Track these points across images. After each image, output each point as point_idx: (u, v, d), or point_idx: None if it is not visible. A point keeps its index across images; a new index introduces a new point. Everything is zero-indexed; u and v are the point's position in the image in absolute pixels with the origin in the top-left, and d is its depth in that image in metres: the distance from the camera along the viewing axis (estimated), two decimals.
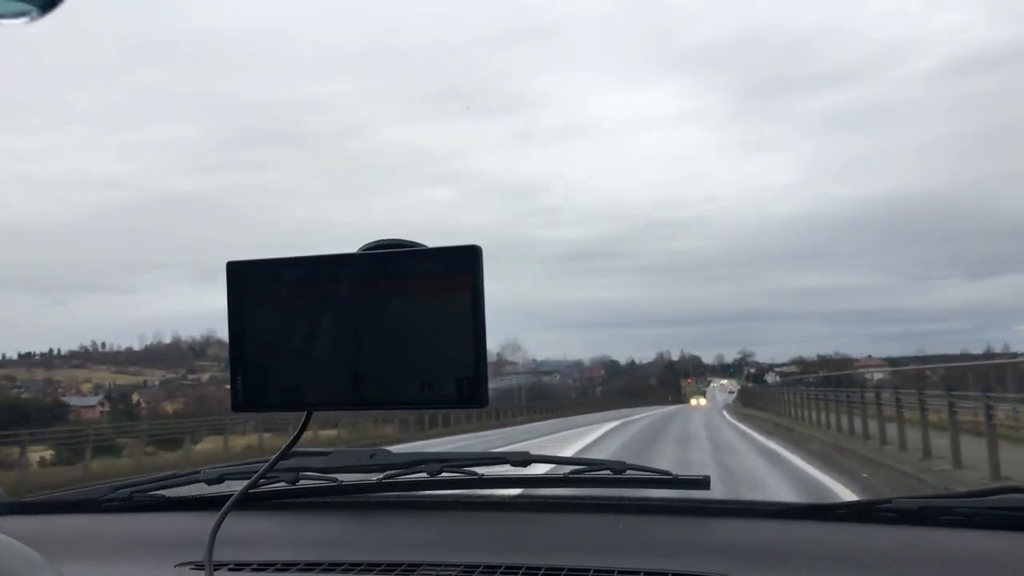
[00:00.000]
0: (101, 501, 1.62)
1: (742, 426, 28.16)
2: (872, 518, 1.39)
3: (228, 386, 0.88)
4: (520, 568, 1.23)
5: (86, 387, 74.31)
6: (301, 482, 1.56)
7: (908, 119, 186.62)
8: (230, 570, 1.25)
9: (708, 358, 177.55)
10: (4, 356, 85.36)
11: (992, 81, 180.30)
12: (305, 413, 0.88)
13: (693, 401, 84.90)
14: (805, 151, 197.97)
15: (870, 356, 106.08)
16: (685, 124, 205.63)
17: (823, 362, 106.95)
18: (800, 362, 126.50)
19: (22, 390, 66.89)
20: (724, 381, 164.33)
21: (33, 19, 0.72)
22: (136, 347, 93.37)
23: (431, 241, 0.85)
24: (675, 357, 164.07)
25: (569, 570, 1.22)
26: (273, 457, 0.99)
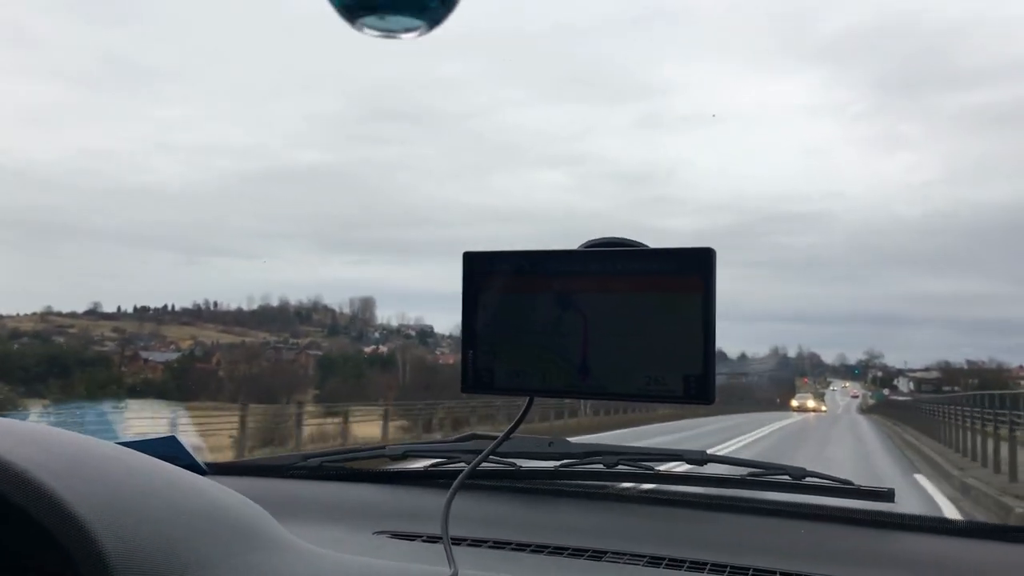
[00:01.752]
0: (293, 468, 1.73)
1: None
2: None
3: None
4: (706, 564, 1.26)
5: (186, 343, 78.01)
6: (483, 464, 1.64)
7: None
8: (424, 541, 1.33)
9: (829, 357, 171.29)
10: (120, 309, 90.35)
11: None
12: (528, 398, 0.93)
13: (795, 402, 65.79)
14: (941, 151, 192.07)
15: (1022, 367, 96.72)
16: (816, 117, 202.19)
17: (975, 371, 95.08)
18: (945, 368, 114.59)
19: (101, 343, 71.10)
20: (847, 384, 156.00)
21: (422, 33, 0.77)
22: (245, 308, 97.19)
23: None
24: (791, 354, 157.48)
25: (755, 571, 1.24)
26: (498, 439, 1.05)
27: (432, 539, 1.33)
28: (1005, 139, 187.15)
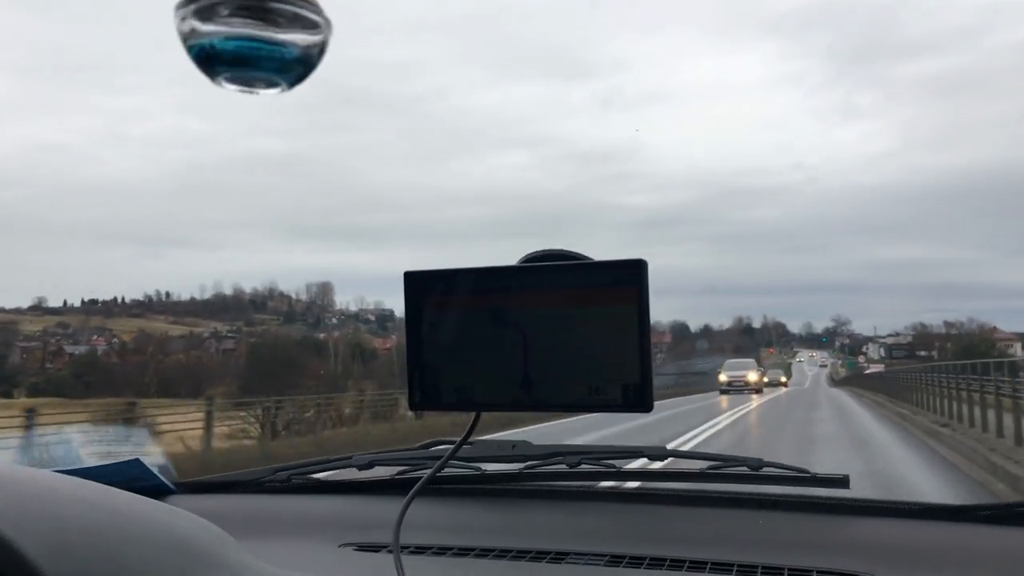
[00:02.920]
0: (263, 483, 1.78)
1: None
2: (1014, 521, 1.44)
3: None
4: (664, 560, 1.31)
5: (128, 336, 77.44)
6: (446, 470, 1.68)
7: (1003, 89, 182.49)
8: (388, 552, 1.35)
9: (795, 326, 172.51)
10: (66, 303, 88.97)
11: None
12: (476, 413, 0.99)
13: (725, 376, 44.54)
14: (897, 120, 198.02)
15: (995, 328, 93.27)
16: (773, 90, 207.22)
17: (956, 334, 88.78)
18: (920, 331, 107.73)
19: (24, 340, 71.22)
20: (814, 353, 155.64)
21: (283, 91, 0.81)
22: (198, 297, 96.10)
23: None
24: (756, 324, 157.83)
25: (713, 564, 1.30)
26: (451, 450, 1.10)
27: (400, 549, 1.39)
28: (958, 107, 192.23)
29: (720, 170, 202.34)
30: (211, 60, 0.77)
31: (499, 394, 0.94)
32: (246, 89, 0.80)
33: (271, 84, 0.80)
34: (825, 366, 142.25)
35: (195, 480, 1.86)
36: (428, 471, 1.68)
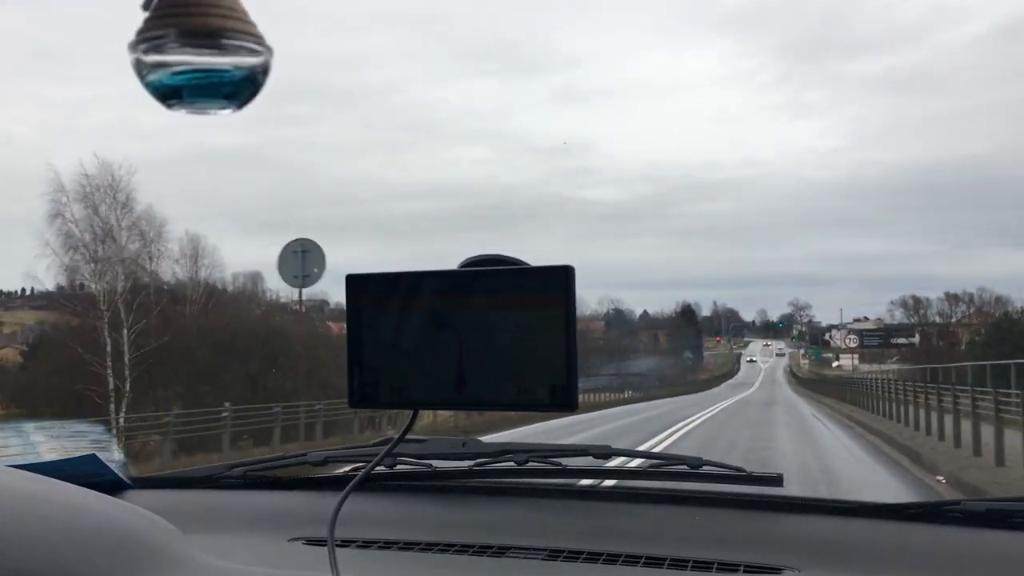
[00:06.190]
0: (218, 478, 1.90)
1: None
2: (942, 519, 1.55)
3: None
4: (601, 554, 1.45)
5: (8, 330, 75.84)
6: (398, 467, 1.83)
7: (953, 85, 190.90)
8: (337, 546, 1.51)
9: (749, 315, 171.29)
10: None
11: None
12: (413, 411, 1.09)
13: None
14: (848, 116, 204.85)
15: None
16: (726, 86, 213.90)
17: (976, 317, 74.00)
18: (911, 304, 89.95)
19: None
20: (769, 342, 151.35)
21: (233, 111, 0.91)
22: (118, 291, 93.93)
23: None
24: (706, 312, 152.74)
25: (647, 558, 1.43)
26: (390, 445, 1.21)
27: (344, 543, 1.50)
28: (908, 103, 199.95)
29: (675, 164, 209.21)
30: (164, 96, 0.87)
31: (435, 393, 1.03)
32: (198, 113, 0.89)
33: (222, 107, 0.90)
34: (783, 355, 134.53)
35: (152, 476, 1.99)
36: (382, 468, 1.84)
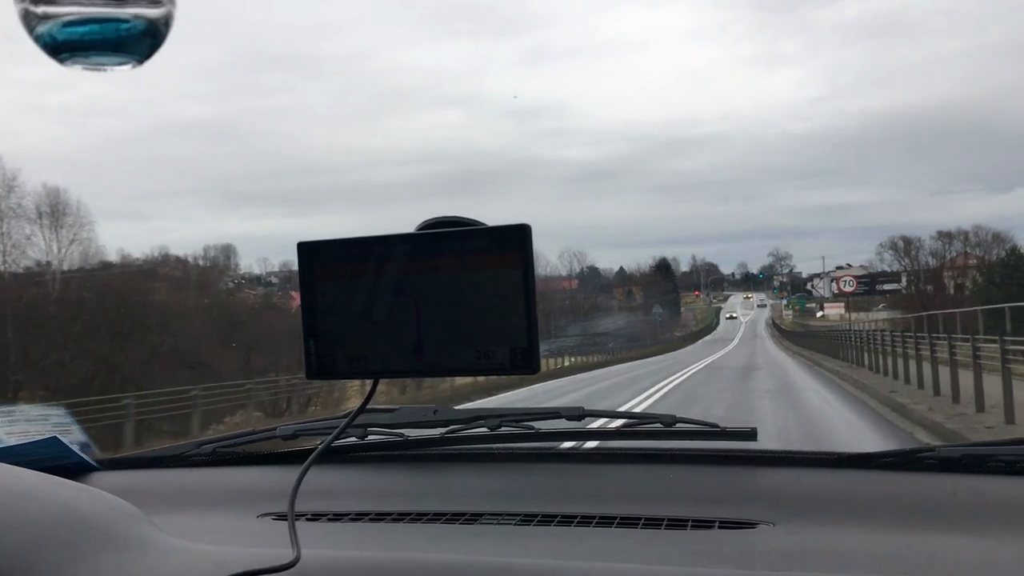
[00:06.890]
0: (187, 456, 1.90)
1: None
2: (916, 466, 1.57)
3: None
4: (575, 517, 1.46)
5: None
6: (369, 437, 1.83)
7: (927, 31, 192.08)
8: (307, 520, 1.50)
9: (729, 269, 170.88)
10: None
11: None
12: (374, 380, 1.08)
13: None
14: (821, 65, 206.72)
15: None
16: (698, 40, 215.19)
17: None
18: (900, 248, 76.92)
19: None
20: (750, 295, 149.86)
21: (133, 67, 0.85)
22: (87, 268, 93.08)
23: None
24: (685, 268, 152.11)
25: (621, 518, 1.44)
26: (349, 416, 1.19)
27: (314, 517, 1.51)
28: (882, 50, 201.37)
29: (652, 122, 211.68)
30: (56, 49, 0.80)
31: (393, 361, 1.01)
32: (95, 69, 0.83)
33: (120, 62, 0.83)
34: (764, 306, 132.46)
35: (118, 456, 1.97)
36: (354, 439, 1.84)
